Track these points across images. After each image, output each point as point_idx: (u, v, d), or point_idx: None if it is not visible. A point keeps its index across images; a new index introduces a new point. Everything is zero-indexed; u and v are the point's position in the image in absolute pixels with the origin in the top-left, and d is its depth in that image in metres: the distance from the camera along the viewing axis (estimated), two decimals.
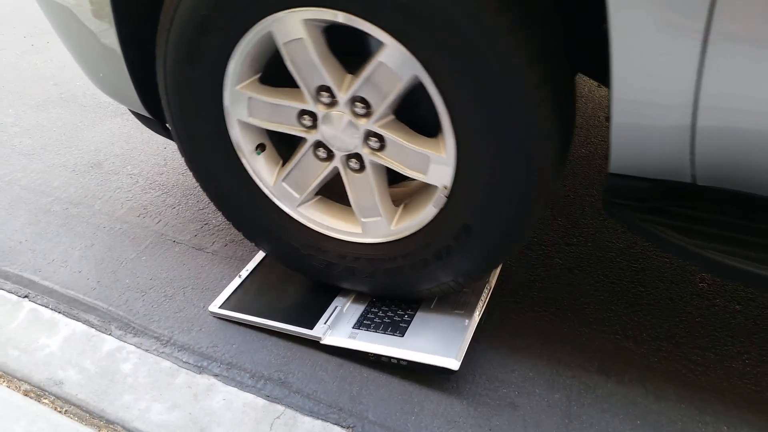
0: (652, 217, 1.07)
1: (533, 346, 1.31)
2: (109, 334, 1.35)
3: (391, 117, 1.13)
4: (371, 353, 1.26)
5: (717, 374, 1.25)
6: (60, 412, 1.21)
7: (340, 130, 1.16)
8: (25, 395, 1.24)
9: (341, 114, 1.14)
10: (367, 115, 1.12)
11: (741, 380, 1.24)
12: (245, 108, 1.22)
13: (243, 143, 1.27)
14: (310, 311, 1.36)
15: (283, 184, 1.29)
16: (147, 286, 1.48)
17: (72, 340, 1.34)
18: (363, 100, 1.10)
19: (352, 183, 1.22)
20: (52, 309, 1.42)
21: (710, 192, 1.05)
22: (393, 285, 1.31)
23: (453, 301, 1.34)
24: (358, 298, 1.39)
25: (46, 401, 1.23)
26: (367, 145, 1.15)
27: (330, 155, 1.21)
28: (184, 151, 1.33)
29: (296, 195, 1.29)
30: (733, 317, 1.37)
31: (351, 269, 1.33)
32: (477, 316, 1.29)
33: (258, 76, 1.21)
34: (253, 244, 1.43)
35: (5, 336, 1.36)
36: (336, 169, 1.22)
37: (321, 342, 1.29)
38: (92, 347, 1.33)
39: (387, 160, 1.16)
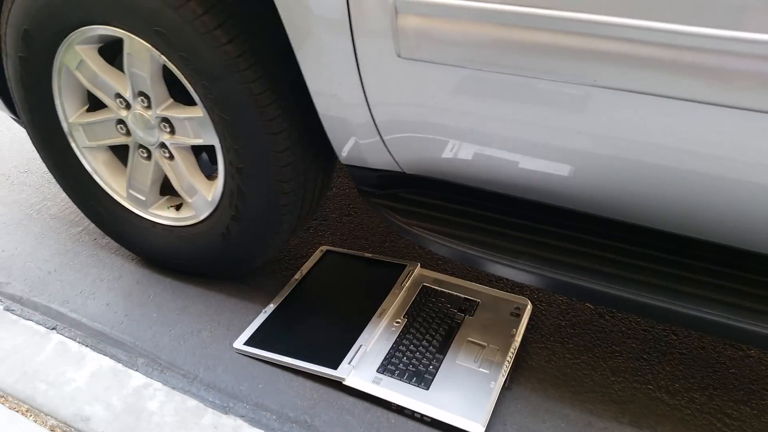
0: (385, 202, 1.29)
1: (565, 395, 1.29)
2: (136, 370, 1.35)
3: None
4: (395, 404, 1.24)
5: (753, 429, 1.22)
6: None
7: (141, 126, 1.35)
8: (52, 430, 1.24)
9: (136, 111, 1.34)
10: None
11: None
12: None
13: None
14: (334, 349, 1.35)
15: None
16: (174, 321, 1.48)
17: (99, 375, 1.34)
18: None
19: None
20: (79, 342, 1.42)
21: (427, 180, 1.26)
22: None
23: (479, 357, 1.32)
24: (382, 337, 1.38)
25: None
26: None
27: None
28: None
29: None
30: None
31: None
32: (502, 378, 1.27)
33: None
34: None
35: (33, 368, 1.36)
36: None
37: (344, 383, 1.28)
38: (119, 383, 1.33)
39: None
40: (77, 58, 1.34)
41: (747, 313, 1.02)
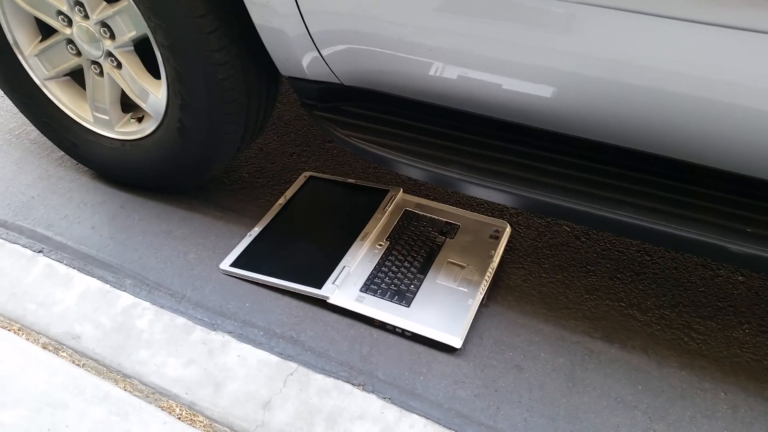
0: (326, 114, 1.32)
1: (539, 311, 1.34)
2: (124, 290, 1.38)
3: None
4: (377, 320, 1.29)
5: (717, 343, 1.29)
6: (78, 365, 1.24)
7: (86, 39, 1.39)
8: (44, 348, 1.27)
9: (90, 29, 1.37)
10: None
11: (740, 349, 1.27)
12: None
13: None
14: (318, 271, 1.38)
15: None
16: (160, 244, 1.50)
17: (87, 296, 1.37)
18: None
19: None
20: (66, 264, 1.44)
21: (368, 93, 1.30)
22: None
23: (458, 277, 1.36)
24: (365, 258, 1.41)
25: (64, 354, 1.27)
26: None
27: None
28: None
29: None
30: (736, 288, 1.40)
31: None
32: (480, 295, 1.32)
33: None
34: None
35: (22, 290, 1.38)
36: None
37: (328, 301, 1.32)
38: (107, 303, 1.36)
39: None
40: None
41: (715, 229, 1.06)
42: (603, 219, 1.11)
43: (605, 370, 1.23)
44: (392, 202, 1.56)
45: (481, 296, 1.33)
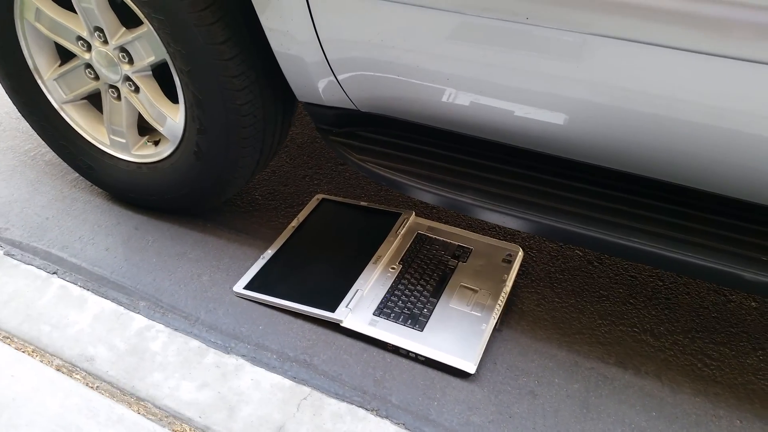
0: (342, 139, 1.34)
1: (553, 337, 1.34)
2: (138, 313, 1.39)
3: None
4: (391, 344, 1.29)
5: (732, 370, 1.28)
6: (92, 388, 1.25)
7: (105, 63, 1.42)
8: (58, 370, 1.28)
9: (109, 54, 1.39)
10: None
11: (755, 376, 1.27)
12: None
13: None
14: (332, 294, 1.39)
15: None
16: (174, 266, 1.50)
17: (101, 318, 1.38)
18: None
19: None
20: (80, 286, 1.45)
21: (385, 119, 1.31)
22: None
23: (471, 301, 1.37)
24: (378, 282, 1.42)
25: (77, 377, 1.27)
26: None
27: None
28: None
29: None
30: (749, 314, 1.40)
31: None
32: (493, 320, 1.32)
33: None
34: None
35: (36, 311, 1.39)
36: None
37: (341, 324, 1.32)
38: (121, 325, 1.36)
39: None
40: (33, 8, 1.41)
41: (730, 257, 1.06)
42: (617, 245, 1.11)
43: (619, 396, 1.23)
44: (405, 225, 1.57)
45: (495, 321, 1.33)
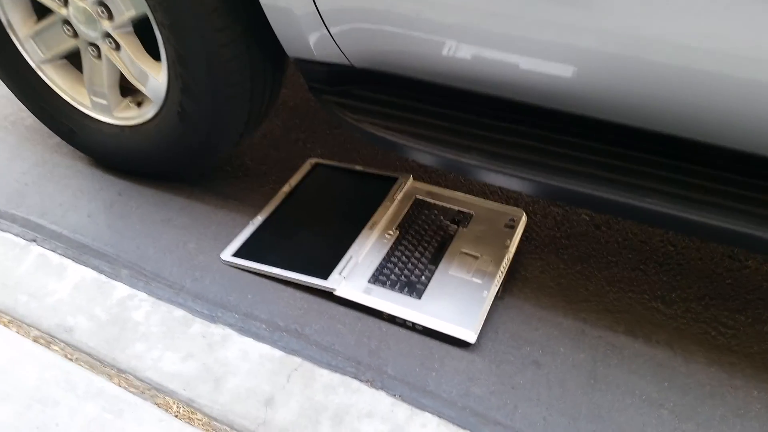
0: (336, 99, 1.24)
1: (558, 304, 1.27)
2: (120, 281, 1.31)
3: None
4: (387, 312, 1.22)
5: (747, 338, 1.21)
6: (71, 359, 1.18)
7: (84, 21, 1.32)
8: (35, 341, 1.21)
9: (87, 9, 1.29)
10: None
11: None
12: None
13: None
14: (324, 261, 1.31)
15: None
16: (158, 233, 1.43)
17: (81, 287, 1.31)
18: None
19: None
20: (60, 254, 1.38)
21: (380, 76, 1.22)
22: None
23: (471, 268, 1.29)
24: (373, 248, 1.34)
25: (56, 348, 1.20)
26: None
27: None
28: None
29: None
30: (765, 280, 1.32)
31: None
32: (495, 287, 1.25)
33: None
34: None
35: (13, 280, 1.32)
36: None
37: (335, 293, 1.25)
38: (102, 294, 1.29)
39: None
40: None
41: (749, 217, 0.98)
42: (628, 207, 1.03)
43: (629, 366, 1.16)
44: (402, 189, 1.49)
45: (497, 288, 1.25)
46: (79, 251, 1.38)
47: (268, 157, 1.66)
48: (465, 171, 1.13)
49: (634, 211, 1.03)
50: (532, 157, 1.11)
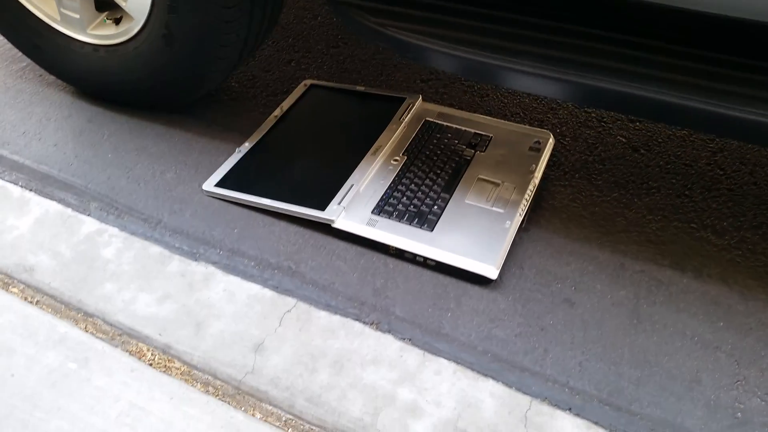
0: (353, 0, 1.07)
1: (593, 236, 1.10)
2: (88, 215, 1.15)
3: None
4: (393, 246, 1.05)
5: None
6: (30, 302, 1.02)
7: None
8: None
9: None
10: None
11: None
12: None
13: None
14: (321, 190, 1.14)
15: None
16: (132, 162, 1.26)
17: (45, 222, 1.14)
18: None
19: None
20: (22, 186, 1.21)
21: None
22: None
23: (491, 196, 1.12)
24: (377, 176, 1.17)
25: (14, 290, 1.05)
26: None
27: None
28: None
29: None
30: None
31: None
32: (519, 217, 1.08)
33: None
34: None
35: None
36: None
37: (333, 225, 1.08)
38: (68, 229, 1.13)
39: None
40: None
41: None
42: (677, 107, 0.85)
43: (677, 303, 0.99)
44: (410, 111, 1.31)
45: (521, 218, 1.08)
46: (43, 183, 1.22)
47: (257, 80, 1.47)
48: (509, 81, 0.94)
49: (682, 113, 0.85)
50: (568, 54, 0.92)
